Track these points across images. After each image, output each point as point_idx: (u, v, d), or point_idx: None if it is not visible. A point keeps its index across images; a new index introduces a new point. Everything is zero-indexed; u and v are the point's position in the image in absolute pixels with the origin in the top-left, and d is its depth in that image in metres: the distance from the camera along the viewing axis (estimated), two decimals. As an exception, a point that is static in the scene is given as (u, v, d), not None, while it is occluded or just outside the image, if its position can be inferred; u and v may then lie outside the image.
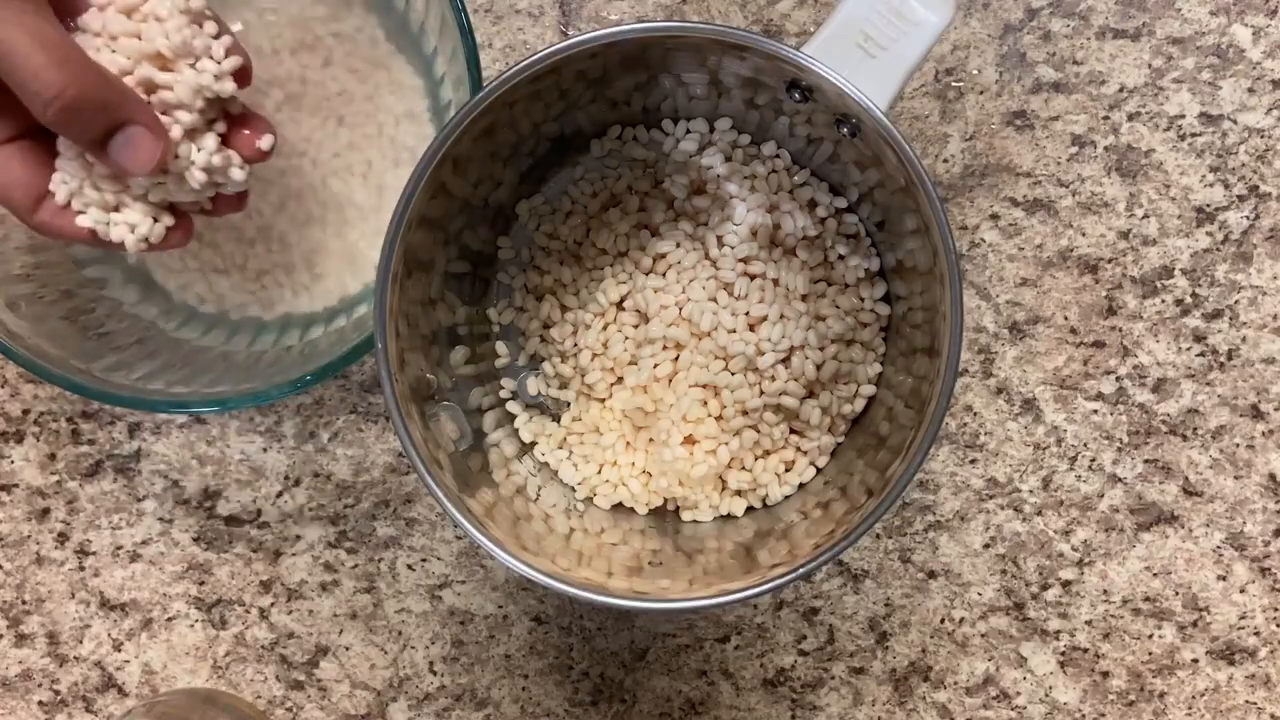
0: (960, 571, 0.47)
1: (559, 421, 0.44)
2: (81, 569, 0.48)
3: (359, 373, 0.47)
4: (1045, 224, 0.46)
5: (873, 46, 0.36)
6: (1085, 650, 0.47)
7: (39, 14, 0.33)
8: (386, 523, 0.47)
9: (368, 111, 0.44)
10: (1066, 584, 0.46)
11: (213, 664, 0.48)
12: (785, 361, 0.41)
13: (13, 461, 0.48)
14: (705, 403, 0.42)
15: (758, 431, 0.42)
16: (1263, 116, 0.46)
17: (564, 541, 0.40)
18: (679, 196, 0.42)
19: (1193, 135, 0.46)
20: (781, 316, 0.41)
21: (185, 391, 0.42)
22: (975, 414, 0.46)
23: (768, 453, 0.43)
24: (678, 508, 0.43)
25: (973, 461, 0.46)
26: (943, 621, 0.47)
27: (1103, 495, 0.46)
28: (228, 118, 0.39)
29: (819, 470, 0.43)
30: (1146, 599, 0.46)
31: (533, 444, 0.44)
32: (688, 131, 0.43)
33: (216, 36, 0.37)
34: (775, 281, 0.42)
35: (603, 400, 0.43)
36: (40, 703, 0.48)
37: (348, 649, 0.48)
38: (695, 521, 0.43)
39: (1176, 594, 0.46)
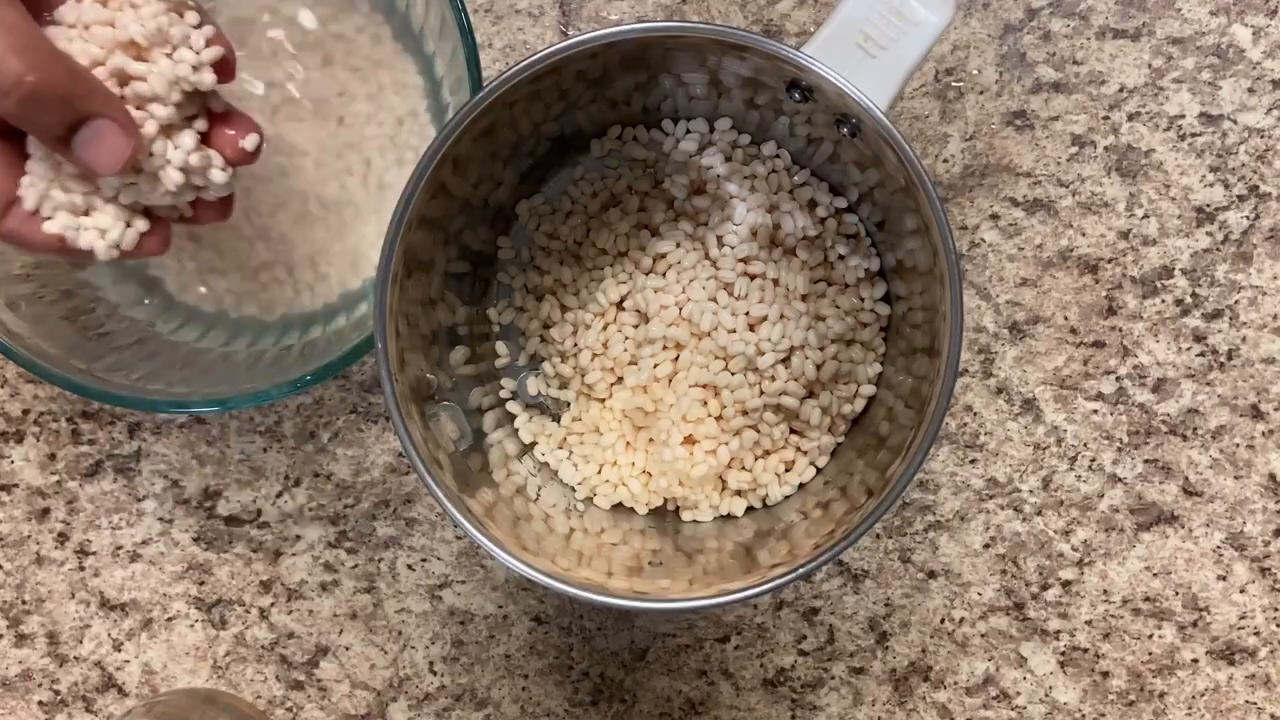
0: (960, 571, 0.47)
1: (559, 421, 0.44)
2: (81, 569, 0.48)
3: (359, 373, 0.47)
4: (1045, 224, 0.46)
5: (873, 46, 0.36)
6: (1085, 650, 0.47)
7: (3, 1, 0.31)
8: (386, 523, 0.47)
9: (368, 111, 0.44)
10: (1066, 584, 0.46)
11: (213, 664, 0.48)
12: (785, 361, 0.41)
13: (13, 461, 0.48)
14: (705, 403, 0.42)
15: (758, 431, 0.42)
16: (1263, 116, 0.46)
17: (564, 541, 0.40)
18: (679, 196, 0.42)
19: (1193, 135, 0.46)
20: (781, 316, 0.41)
21: (185, 391, 0.42)
22: (975, 414, 0.46)
23: (768, 453, 0.43)
24: (678, 508, 0.43)
25: (973, 461, 0.46)
26: (943, 621, 0.47)
27: (1103, 495, 0.46)
28: (209, 116, 0.36)
29: (819, 470, 0.43)
30: (1146, 599, 0.46)
31: (533, 444, 0.44)
32: (688, 131, 0.43)
33: (198, 27, 0.35)
34: (775, 281, 0.42)
35: (603, 400, 0.43)
36: (40, 703, 0.48)
37: (348, 649, 0.48)
38: (695, 521, 0.43)
39: (1176, 594, 0.46)
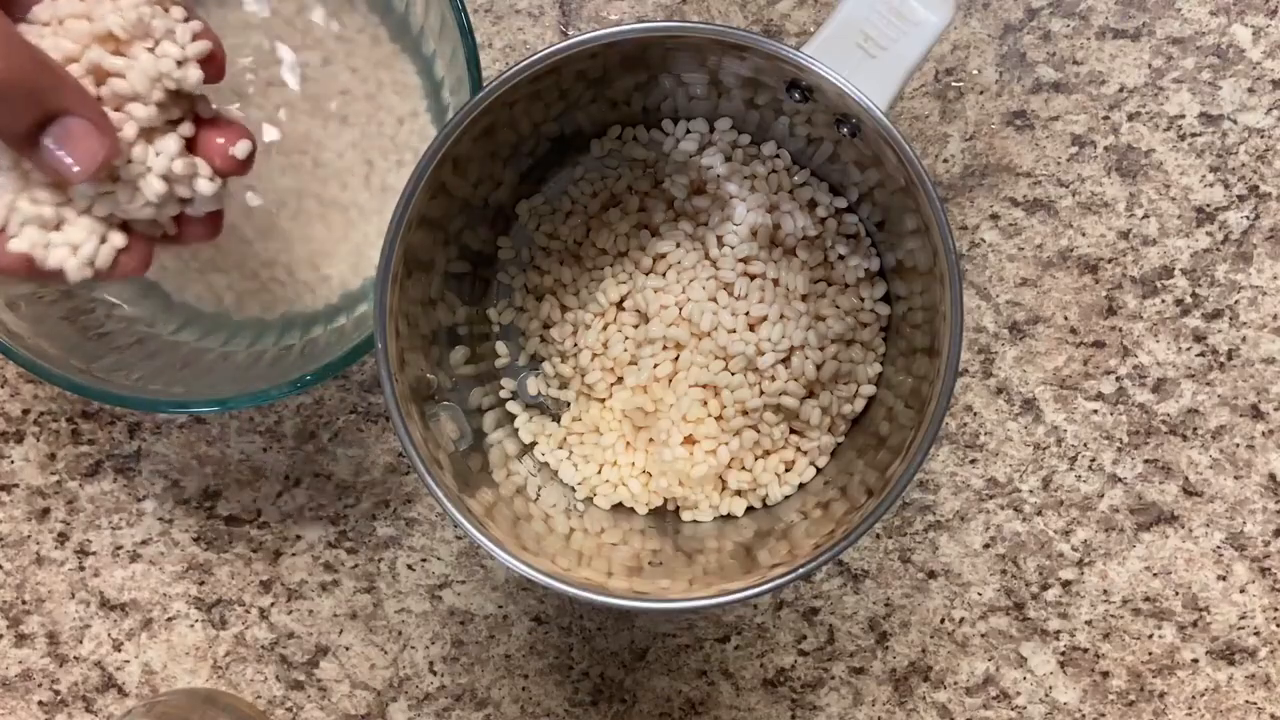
0: (960, 571, 0.47)
1: (559, 421, 0.44)
2: (81, 569, 0.48)
3: (359, 373, 0.47)
4: (1045, 224, 0.46)
5: (873, 46, 0.36)
6: (1085, 650, 0.47)
7: None
8: (386, 523, 0.47)
9: (368, 111, 0.44)
10: (1066, 584, 0.46)
11: (213, 664, 0.48)
12: (785, 361, 0.41)
13: (13, 461, 0.48)
14: (705, 403, 0.42)
15: (758, 431, 0.42)
16: (1263, 116, 0.46)
17: (564, 541, 0.40)
18: (679, 196, 0.42)
19: (1193, 135, 0.46)
20: (781, 316, 0.41)
21: (185, 391, 0.42)
22: (975, 414, 0.46)
23: (768, 453, 0.43)
24: (678, 508, 0.43)
25: (973, 461, 0.46)
26: (943, 621, 0.47)
27: (1103, 495, 0.46)
28: (197, 122, 0.33)
29: (819, 470, 0.43)
30: (1146, 599, 0.46)
31: (533, 444, 0.44)
32: (688, 131, 0.43)
33: (185, 21, 0.32)
34: (775, 281, 0.42)
35: (603, 400, 0.43)
36: (40, 703, 0.48)
37: (348, 649, 0.48)
38: (695, 521, 0.43)
39: (1176, 594, 0.46)
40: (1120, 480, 0.46)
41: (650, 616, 0.47)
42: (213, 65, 0.33)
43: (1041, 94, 0.46)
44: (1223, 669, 0.46)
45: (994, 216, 0.46)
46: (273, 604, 0.48)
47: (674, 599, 0.36)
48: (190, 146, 0.33)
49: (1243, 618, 0.46)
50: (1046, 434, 0.46)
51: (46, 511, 0.48)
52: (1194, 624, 0.46)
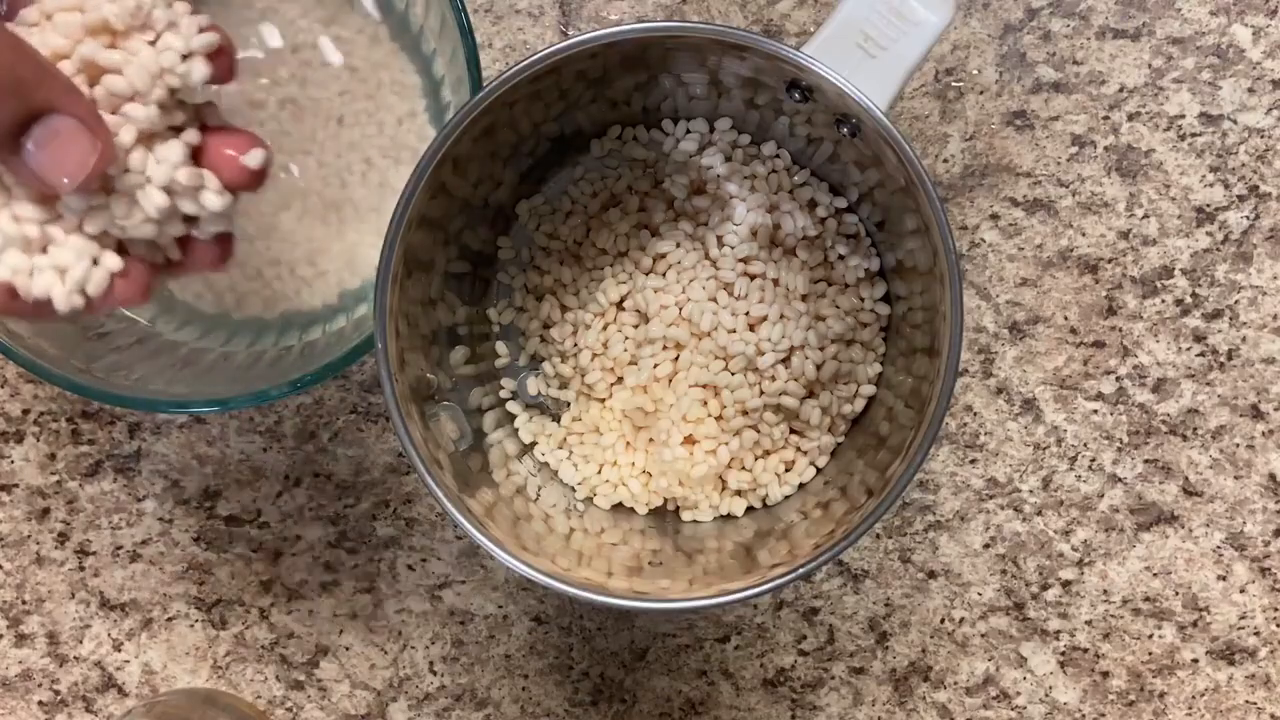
0: (960, 571, 0.47)
1: (559, 421, 0.44)
2: (81, 569, 0.48)
3: (359, 373, 0.47)
4: (1045, 224, 0.46)
5: (873, 46, 0.36)
6: (1085, 650, 0.47)
7: None
8: (386, 523, 0.47)
9: (368, 110, 0.44)
10: (1066, 584, 0.46)
11: (213, 664, 0.48)
12: (785, 361, 0.41)
13: (13, 461, 0.48)
14: (705, 403, 0.42)
15: (758, 431, 0.42)
16: (1263, 116, 0.46)
17: (564, 541, 0.40)
18: (679, 196, 0.42)
19: (1193, 135, 0.46)
20: (781, 316, 0.41)
21: (185, 391, 0.42)
22: (975, 414, 0.46)
23: (768, 453, 0.43)
24: (678, 508, 0.43)
25: (973, 461, 0.46)
26: (943, 621, 0.47)
27: (1103, 495, 0.46)
28: (202, 130, 0.30)
29: (819, 470, 0.43)
30: (1146, 599, 0.46)
31: (533, 444, 0.44)
32: (688, 131, 0.43)
33: (191, 14, 0.29)
34: (775, 281, 0.42)
35: (603, 400, 0.43)
36: (40, 703, 0.48)
37: (348, 649, 0.48)
38: (695, 521, 0.43)
39: (1176, 594, 0.46)
40: (1120, 480, 0.46)
41: (650, 616, 0.47)
42: (221, 62, 0.29)
43: (1041, 94, 0.46)
44: (1223, 669, 0.46)
45: (994, 216, 0.46)
46: (273, 604, 0.48)
47: (674, 599, 0.36)
48: (195, 159, 0.30)
49: (1243, 618, 0.46)
50: (1046, 434, 0.46)
51: (46, 511, 0.48)
52: (1194, 624, 0.46)
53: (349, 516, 0.47)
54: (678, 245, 0.42)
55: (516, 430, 0.44)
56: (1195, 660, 0.46)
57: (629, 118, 0.43)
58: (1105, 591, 0.46)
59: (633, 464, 0.43)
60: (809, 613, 0.47)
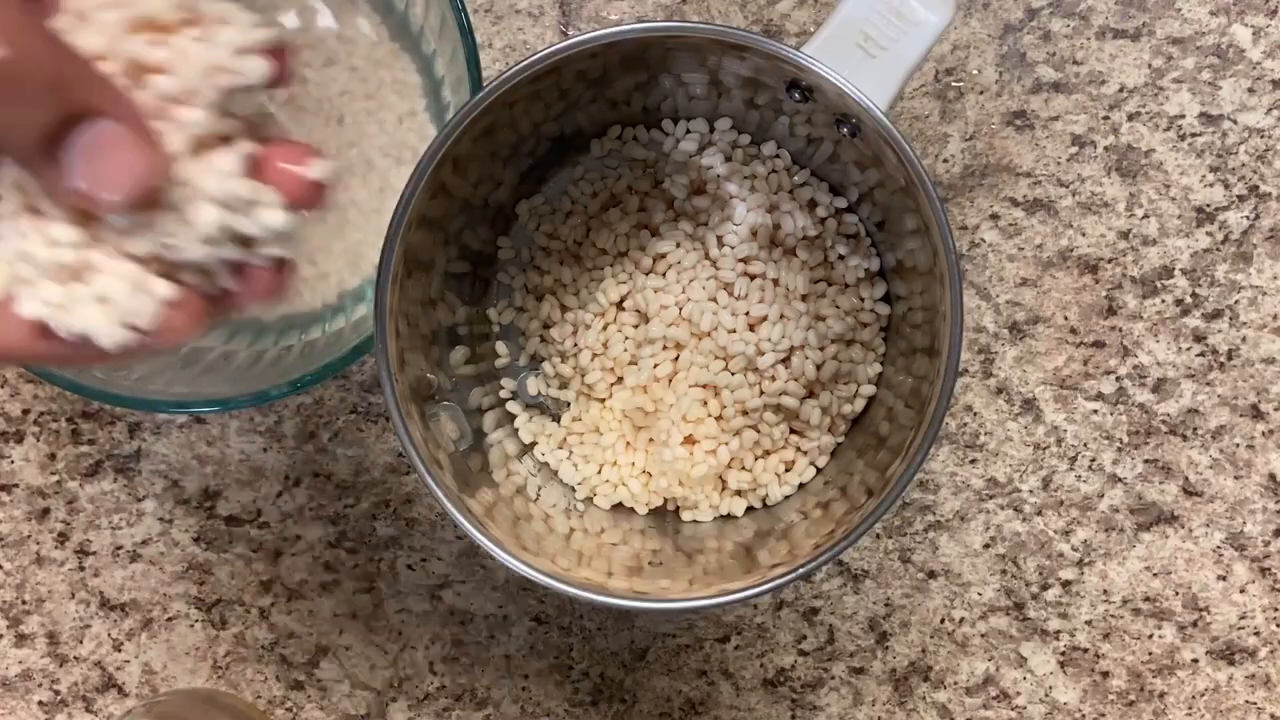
0: (960, 571, 0.47)
1: (559, 421, 0.44)
2: (81, 569, 0.48)
3: (359, 373, 0.47)
4: (1045, 224, 0.46)
5: (873, 46, 0.36)
6: (1085, 650, 0.47)
7: None
8: (386, 523, 0.47)
9: (369, 110, 0.44)
10: (1066, 584, 0.46)
11: (213, 664, 0.48)
12: (785, 361, 0.41)
13: (13, 461, 0.48)
14: (705, 403, 0.42)
15: (758, 431, 0.42)
16: (1263, 116, 0.46)
17: (564, 541, 0.40)
18: (679, 196, 0.42)
19: (1193, 135, 0.46)
20: (781, 316, 0.41)
21: (185, 391, 0.42)
22: (975, 414, 0.46)
23: (768, 453, 0.43)
24: (678, 508, 0.43)
25: (973, 461, 0.46)
26: (943, 621, 0.47)
27: (1103, 495, 0.46)
28: (255, 141, 0.26)
29: (819, 470, 0.43)
30: (1146, 599, 0.46)
31: (533, 444, 0.44)
32: (688, 131, 0.43)
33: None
34: (775, 281, 0.42)
35: (603, 400, 0.43)
36: (40, 703, 0.48)
37: (348, 649, 0.48)
38: (695, 521, 0.43)
39: (1176, 594, 0.46)
40: (1120, 480, 0.46)
41: (650, 616, 0.47)
42: (279, 61, 0.26)
43: (1041, 94, 0.46)
44: (1223, 669, 0.46)
45: (994, 216, 0.46)
46: (273, 604, 0.48)
47: (674, 599, 0.36)
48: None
49: (1243, 618, 0.46)
50: (1046, 434, 0.46)
51: (46, 511, 0.48)
52: (1194, 624, 0.46)
53: (349, 516, 0.47)
54: (678, 245, 0.42)
55: (516, 430, 0.44)
56: (1195, 660, 0.46)
57: (629, 118, 0.43)
58: (1105, 591, 0.46)
59: (633, 464, 0.43)
60: (809, 613, 0.47)
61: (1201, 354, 0.46)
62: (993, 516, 0.46)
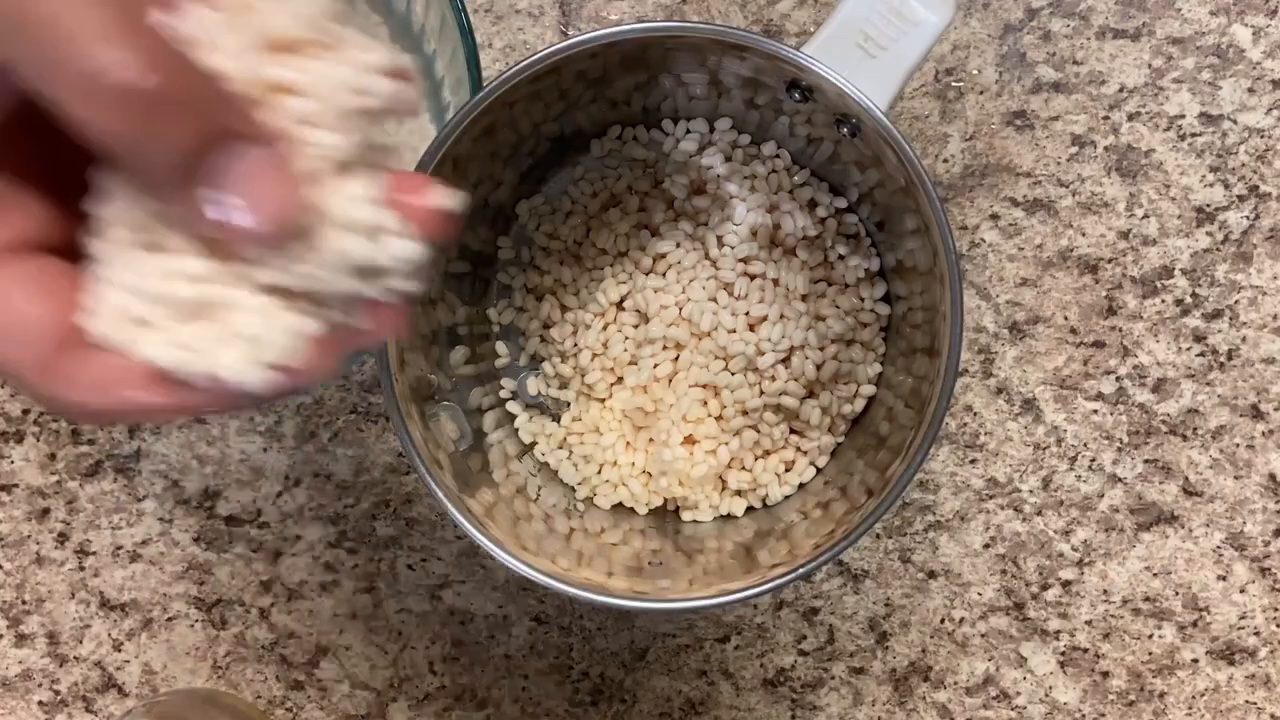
0: (960, 571, 0.47)
1: (559, 421, 0.44)
2: (81, 569, 0.48)
3: (359, 373, 0.47)
4: (1045, 224, 0.46)
5: (873, 46, 0.36)
6: (1085, 650, 0.47)
7: None
8: (386, 523, 0.47)
9: (368, 111, 0.44)
10: (1066, 584, 0.46)
11: (213, 664, 0.48)
12: (785, 361, 0.41)
13: (13, 461, 0.48)
14: (705, 403, 0.42)
15: (758, 431, 0.42)
16: (1263, 116, 0.46)
17: (564, 541, 0.40)
18: (679, 196, 0.42)
19: (1193, 135, 0.46)
20: (781, 316, 0.41)
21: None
22: (975, 414, 0.46)
23: (768, 453, 0.43)
24: (678, 508, 0.43)
25: (973, 461, 0.46)
26: (943, 621, 0.47)
27: (1103, 495, 0.46)
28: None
29: (819, 470, 0.43)
30: (1146, 599, 0.46)
31: (533, 444, 0.44)
32: (688, 131, 0.43)
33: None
34: (775, 281, 0.42)
35: (603, 400, 0.43)
36: (40, 703, 0.48)
37: (348, 649, 0.48)
38: (695, 521, 0.43)
39: (1176, 594, 0.46)
40: (1120, 480, 0.46)
41: (650, 616, 0.47)
42: (409, 85, 0.24)
43: (1041, 94, 0.46)
44: (1223, 669, 0.46)
45: (994, 216, 0.46)
46: (273, 604, 0.48)
47: (674, 599, 0.36)
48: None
49: (1243, 618, 0.46)
50: (1046, 434, 0.46)
51: (46, 511, 0.48)
52: (1194, 624, 0.46)
53: (349, 516, 0.47)
54: (678, 245, 0.42)
55: (516, 430, 0.44)
56: (1195, 660, 0.46)
57: (629, 118, 0.43)
58: (1105, 591, 0.46)
59: (633, 464, 0.43)
60: (809, 613, 0.47)
61: (1201, 354, 0.46)
62: (993, 516, 0.46)
